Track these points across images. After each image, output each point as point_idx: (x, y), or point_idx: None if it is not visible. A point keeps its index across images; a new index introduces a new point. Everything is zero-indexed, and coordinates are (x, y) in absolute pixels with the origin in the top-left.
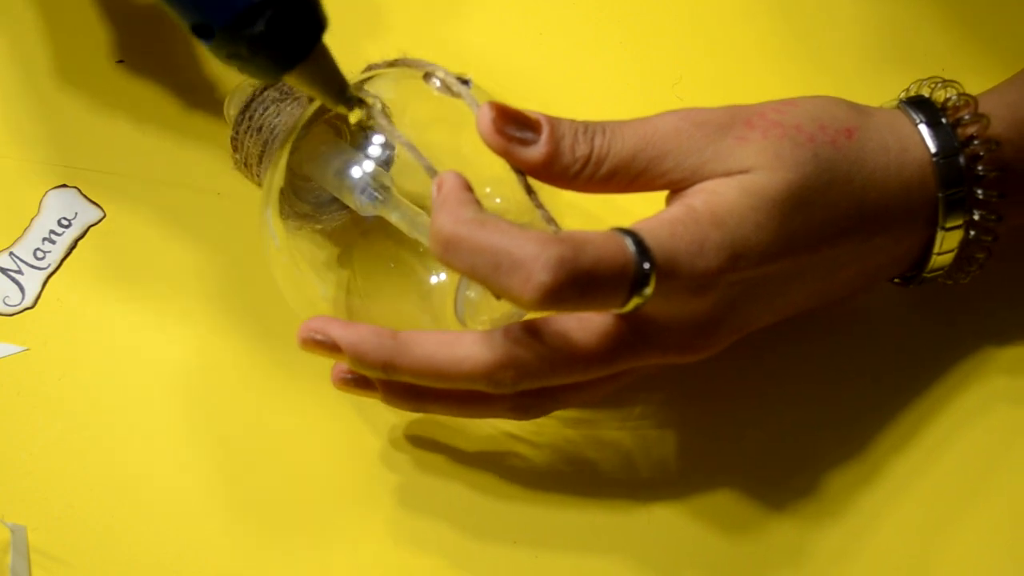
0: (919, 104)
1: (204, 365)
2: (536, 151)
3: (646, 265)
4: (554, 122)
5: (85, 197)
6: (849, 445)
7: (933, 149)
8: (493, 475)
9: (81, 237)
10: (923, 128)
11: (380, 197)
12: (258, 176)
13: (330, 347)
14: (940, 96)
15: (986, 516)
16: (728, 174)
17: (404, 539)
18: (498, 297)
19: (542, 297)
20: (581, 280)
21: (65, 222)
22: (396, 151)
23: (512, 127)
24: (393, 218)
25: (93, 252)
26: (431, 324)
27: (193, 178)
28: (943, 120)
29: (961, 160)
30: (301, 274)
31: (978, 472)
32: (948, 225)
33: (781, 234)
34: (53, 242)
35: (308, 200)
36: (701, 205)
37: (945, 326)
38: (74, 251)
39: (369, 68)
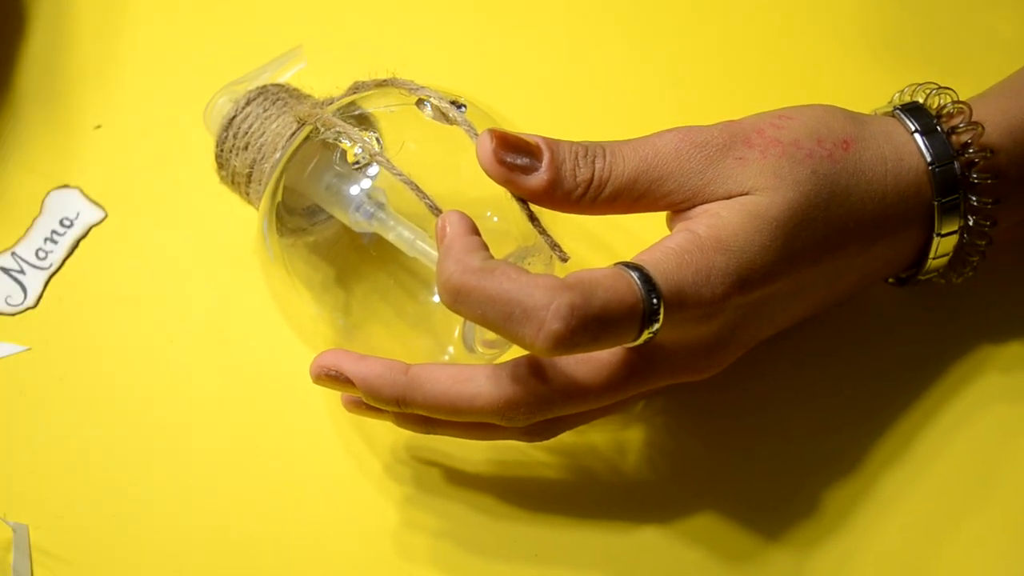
0: (914, 111)
1: (205, 366)
2: (538, 179)
3: (655, 300)
4: (554, 146)
5: (87, 197)
6: (845, 454)
7: (928, 158)
8: (492, 490)
9: (83, 237)
10: (918, 137)
11: (376, 214)
12: (247, 194)
13: (343, 382)
14: (934, 102)
15: (985, 518)
16: (729, 196)
17: (407, 554)
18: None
19: (555, 345)
20: (592, 325)
21: (67, 222)
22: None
23: (512, 154)
24: (390, 237)
25: (95, 252)
26: (433, 345)
27: (194, 178)
28: (938, 128)
29: (956, 167)
30: (298, 296)
31: (975, 474)
32: (944, 231)
33: (784, 254)
34: (55, 242)
35: (299, 213)
36: (704, 231)
37: (942, 326)
38: (76, 251)
39: (355, 86)
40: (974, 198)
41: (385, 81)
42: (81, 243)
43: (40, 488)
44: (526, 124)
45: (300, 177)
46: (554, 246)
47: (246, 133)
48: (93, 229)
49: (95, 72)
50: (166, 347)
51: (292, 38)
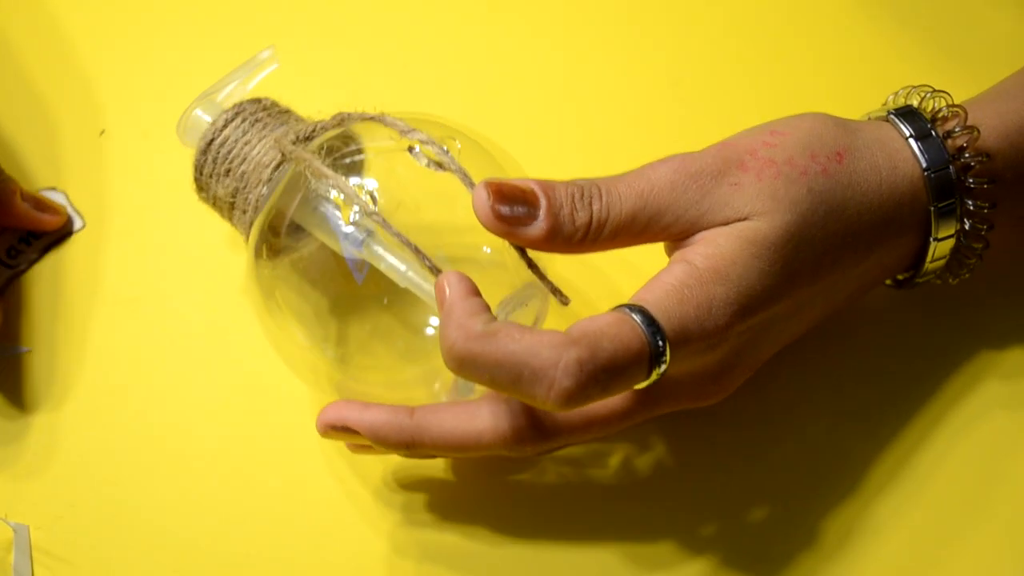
0: (908, 115)
1: (195, 375)
2: (537, 229)
3: (660, 342)
4: (549, 192)
5: (71, 204)
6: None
7: (923, 164)
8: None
9: (57, 242)
10: (912, 142)
11: (366, 242)
12: (230, 219)
13: (350, 433)
14: (929, 105)
15: (986, 533)
16: (727, 222)
17: None
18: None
19: (567, 402)
20: (602, 376)
21: None
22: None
23: (508, 205)
24: (382, 266)
25: (67, 258)
26: (427, 376)
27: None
28: (933, 133)
29: (952, 172)
30: (288, 325)
31: (976, 487)
32: (940, 236)
33: (783, 276)
34: (29, 243)
35: (285, 232)
36: (702, 262)
37: (940, 334)
38: (47, 255)
39: (340, 118)
40: (970, 202)
41: (374, 117)
42: (54, 247)
43: (41, 489)
44: (524, 125)
45: (289, 204)
46: (555, 291)
47: (226, 159)
48: (71, 236)
49: (97, 77)
50: (157, 353)
51: (294, 40)
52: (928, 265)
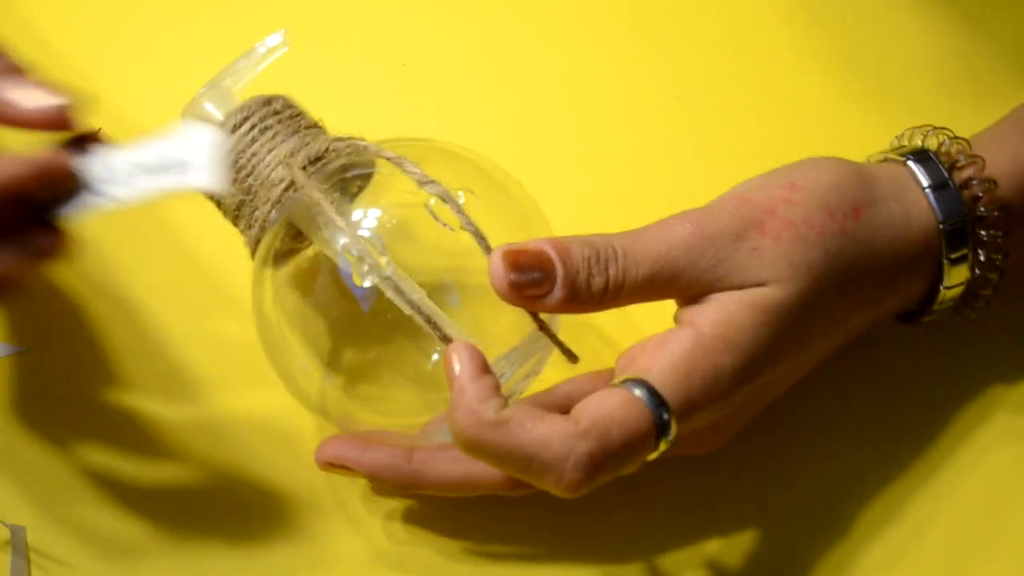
0: (924, 161)
1: (196, 375)
2: (555, 297)
3: (666, 416)
4: (564, 255)
5: None
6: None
7: (940, 216)
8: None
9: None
10: (929, 193)
11: (373, 271)
12: (235, 224)
13: (349, 472)
14: (946, 149)
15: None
16: (742, 286)
17: None
18: None
19: (576, 491)
20: (612, 465)
21: None
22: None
23: (525, 274)
24: (389, 293)
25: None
26: (431, 406)
27: None
28: (950, 183)
29: (966, 224)
30: (289, 346)
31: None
32: (950, 284)
33: (794, 339)
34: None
35: (289, 235)
36: (710, 329)
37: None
38: None
39: (355, 146)
40: (982, 253)
41: (391, 158)
42: None
43: (38, 489)
44: (523, 123)
45: (299, 220)
46: (564, 350)
47: (233, 166)
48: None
49: (96, 74)
50: (157, 354)
51: (304, 28)
52: (936, 307)
